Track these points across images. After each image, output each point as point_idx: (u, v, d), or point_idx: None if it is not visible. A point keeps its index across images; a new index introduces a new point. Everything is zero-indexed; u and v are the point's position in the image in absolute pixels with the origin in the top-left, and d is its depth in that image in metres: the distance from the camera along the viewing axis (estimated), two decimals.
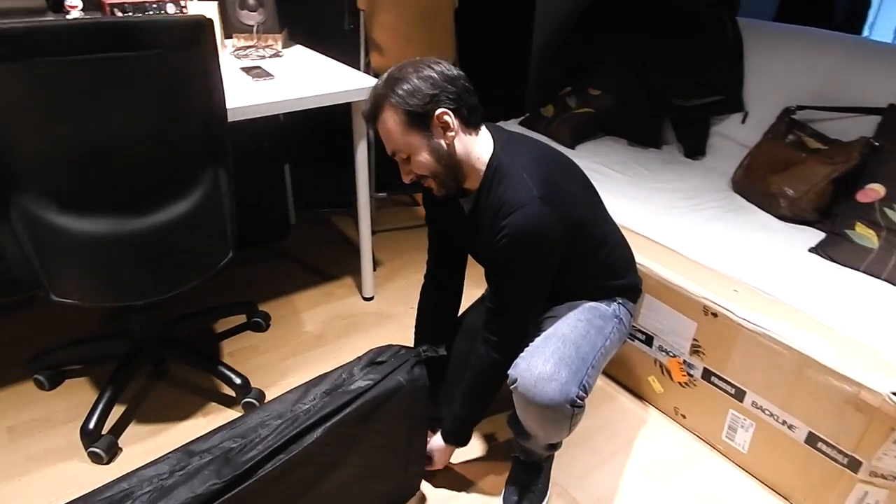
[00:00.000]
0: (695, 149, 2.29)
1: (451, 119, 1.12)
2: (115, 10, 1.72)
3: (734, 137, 2.21)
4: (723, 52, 2.23)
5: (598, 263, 1.29)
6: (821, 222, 1.78)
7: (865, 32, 3.29)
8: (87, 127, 1.11)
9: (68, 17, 1.65)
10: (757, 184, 1.92)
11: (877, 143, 1.73)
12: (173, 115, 1.20)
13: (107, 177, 1.19)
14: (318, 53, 2.06)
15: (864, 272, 1.55)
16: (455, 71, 1.14)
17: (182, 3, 1.81)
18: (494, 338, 1.23)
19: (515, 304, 1.20)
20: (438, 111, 1.10)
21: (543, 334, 1.22)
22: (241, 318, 1.97)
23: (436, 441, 1.40)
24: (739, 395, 1.44)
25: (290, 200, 2.54)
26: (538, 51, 2.83)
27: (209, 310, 1.90)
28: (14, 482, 1.40)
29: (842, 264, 1.58)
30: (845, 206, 1.71)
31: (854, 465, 1.25)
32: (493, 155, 1.18)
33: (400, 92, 1.09)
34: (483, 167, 1.18)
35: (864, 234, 1.61)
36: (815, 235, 1.73)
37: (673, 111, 2.33)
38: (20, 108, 1.06)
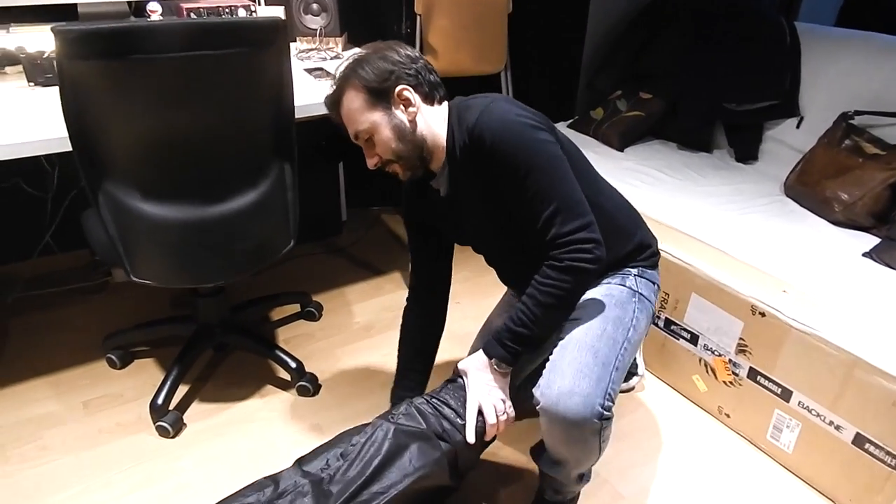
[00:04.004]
0: (747, 153, 2.28)
1: (411, 94, 1.12)
2: (191, 14, 1.84)
3: (788, 142, 2.19)
4: (780, 56, 2.21)
5: (597, 215, 1.11)
6: (875, 228, 1.76)
7: None
8: (171, 120, 1.21)
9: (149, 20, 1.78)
10: (810, 188, 1.90)
11: None
12: (248, 111, 1.30)
13: (185, 167, 1.30)
14: None
15: None
16: (416, 53, 1.15)
17: (252, 7, 1.92)
18: (571, 246, 1.05)
19: (560, 198, 1.05)
20: (399, 87, 1.11)
21: (559, 344, 1.14)
22: (295, 308, 2.07)
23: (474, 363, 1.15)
24: (786, 394, 1.44)
25: (343, 198, 2.63)
26: (590, 54, 2.86)
27: (268, 297, 2.01)
28: (89, 452, 1.51)
29: None
30: None
31: None
32: (450, 109, 1.16)
33: (360, 71, 1.11)
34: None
35: None
36: (870, 241, 1.71)
37: (725, 116, 2.32)
38: (111, 101, 1.17)
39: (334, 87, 1.15)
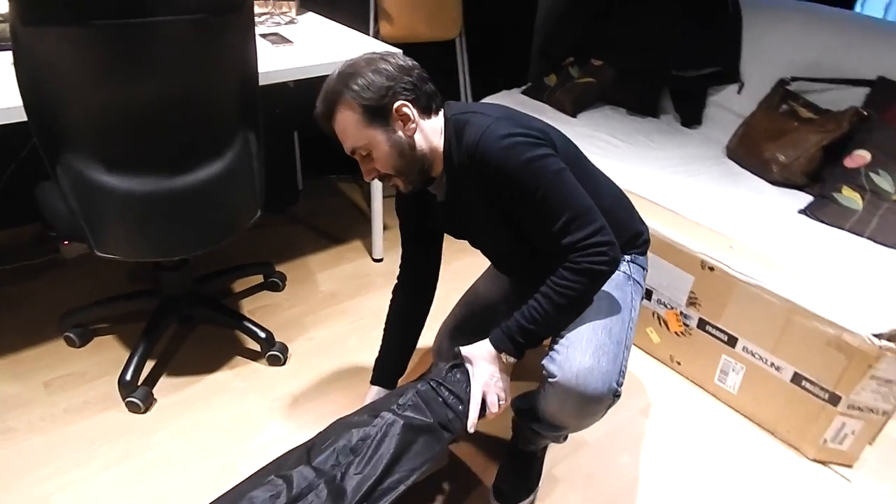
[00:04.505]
0: (691, 118, 2.39)
1: (409, 110, 1.08)
2: None
3: (730, 107, 2.31)
4: (722, 24, 2.31)
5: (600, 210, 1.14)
6: (809, 186, 1.90)
7: (857, 8, 3.38)
8: (134, 89, 1.18)
9: None
10: (751, 151, 2.03)
11: (865, 113, 1.84)
12: (212, 79, 1.27)
13: (150, 137, 1.26)
14: (330, 21, 2.12)
15: (848, 231, 1.68)
16: (409, 62, 1.11)
17: None
18: (588, 251, 1.05)
19: (571, 209, 1.06)
20: (397, 103, 1.07)
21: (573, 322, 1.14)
22: (258, 279, 2.06)
23: (479, 350, 1.16)
24: (732, 341, 1.57)
25: (299, 166, 2.61)
26: (542, 21, 2.89)
27: (232, 269, 1.99)
28: (58, 432, 1.48)
29: (828, 224, 1.71)
30: (833, 171, 1.82)
31: (834, 399, 1.39)
32: (446, 120, 1.14)
33: (355, 87, 1.05)
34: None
35: (850, 197, 1.73)
36: (804, 199, 1.85)
37: (671, 82, 2.42)
38: (72, 69, 1.13)
39: (324, 101, 1.09)
